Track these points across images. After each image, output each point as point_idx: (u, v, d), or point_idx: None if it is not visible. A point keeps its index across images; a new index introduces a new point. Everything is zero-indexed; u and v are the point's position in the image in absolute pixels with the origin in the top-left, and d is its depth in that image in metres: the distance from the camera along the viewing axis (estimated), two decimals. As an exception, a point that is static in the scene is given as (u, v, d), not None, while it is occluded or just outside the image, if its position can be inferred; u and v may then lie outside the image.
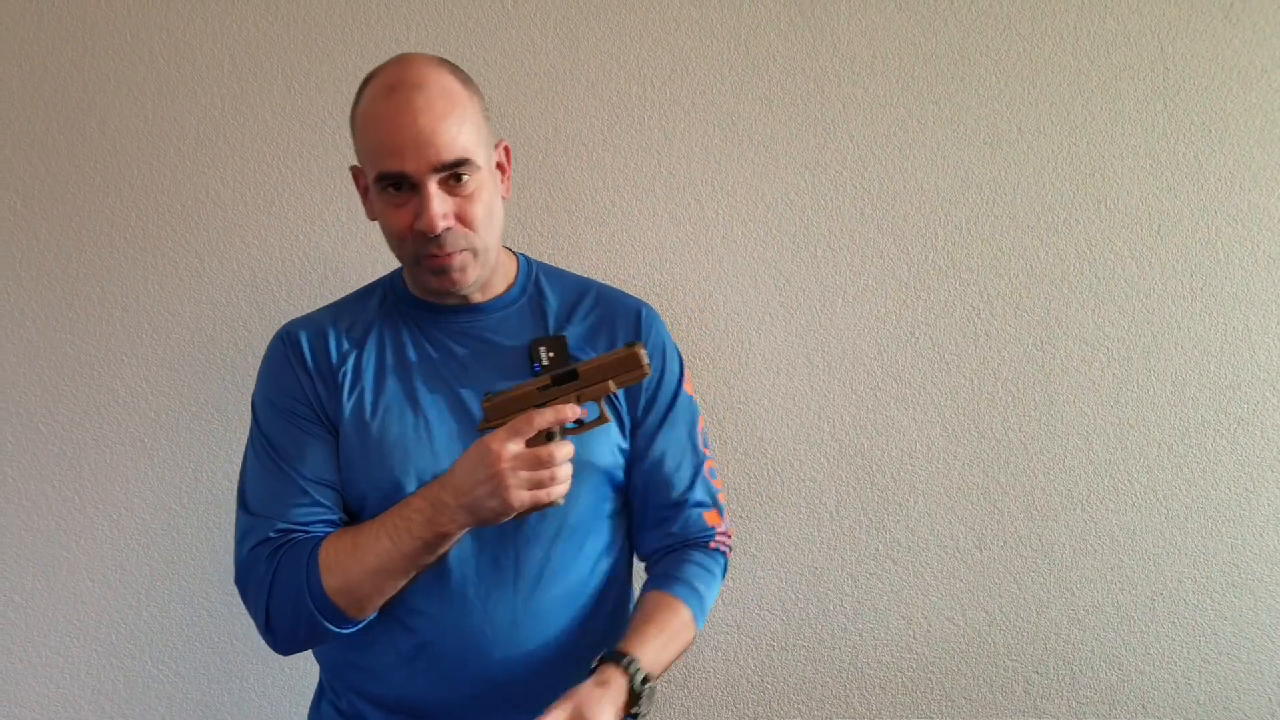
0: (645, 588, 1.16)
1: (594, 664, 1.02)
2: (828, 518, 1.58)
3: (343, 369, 1.10)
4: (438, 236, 1.03)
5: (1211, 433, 1.57)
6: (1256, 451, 1.57)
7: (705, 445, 1.21)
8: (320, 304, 1.21)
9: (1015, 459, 1.57)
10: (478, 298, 1.14)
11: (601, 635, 1.12)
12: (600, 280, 1.25)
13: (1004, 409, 1.57)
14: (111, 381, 1.52)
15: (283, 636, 1.06)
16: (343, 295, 1.21)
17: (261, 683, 1.58)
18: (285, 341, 1.13)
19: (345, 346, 1.12)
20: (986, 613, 1.60)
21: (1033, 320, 1.55)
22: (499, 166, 1.11)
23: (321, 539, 1.05)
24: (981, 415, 1.57)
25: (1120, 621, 1.60)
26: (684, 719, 1.61)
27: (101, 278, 1.51)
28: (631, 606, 1.18)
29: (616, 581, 1.17)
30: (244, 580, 1.07)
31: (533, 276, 1.19)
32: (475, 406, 1.09)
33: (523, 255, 1.21)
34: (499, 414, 1.02)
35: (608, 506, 1.15)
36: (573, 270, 1.26)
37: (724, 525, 1.21)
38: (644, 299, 1.23)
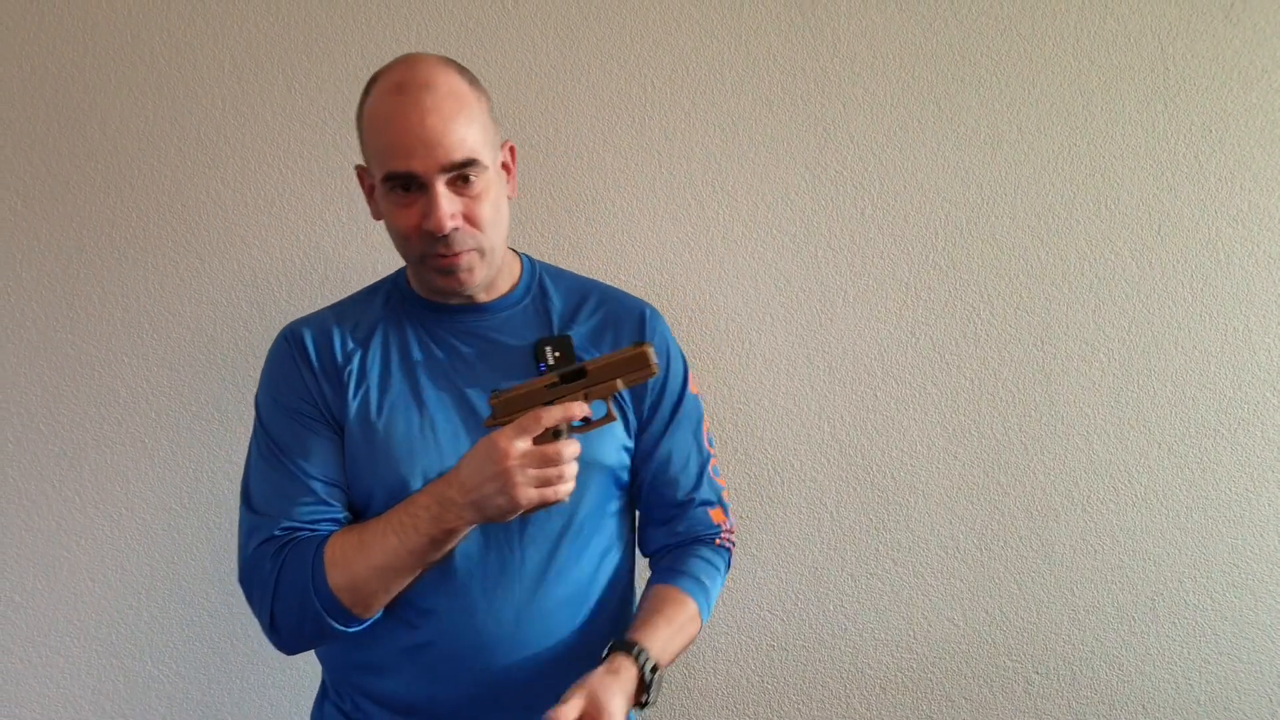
0: (651, 581, 1.17)
1: (604, 653, 1.03)
2: (828, 518, 1.58)
3: (348, 368, 1.10)
4: (446, 236, 1.03)
5: (1212, 433, 1.57)
6: (1257, 452, 1.57)
7: (710, 444, 1.22)
8: (321, 304, 1.21)
9: (1015, 459, 1.57)
10: (482, 298, 1.14)
11: (605, 634, 1.12)
12: (601, 280, 1.25)
13: (1004, 409, 1.57)
14: (112, 382, 1.52)
15: (288, 635, 1.06)
16: (344, 295, 1.21)
17: (262, 683, 1.57)
18: (290, 341, 1.13)
19: (350, 346, 1.12)
20: (987, 613, 1.60)
21: (1033, 320, 1.55)
22: (505, 166, 1.11)
23: (327, 536, 1.05)
24: (982, 415, 1.57)
25: (1121, 622, 1.60)
26: (684, 719, 1.61)
27: (102, 278, 1.51)
28: (635, 605, 1.18)
29: (620, 580, 1.18)
30: (248, 579, 1.06)
31: (536, 277, 1.19)
32: (481, 405, 1.09)
33: (526, 256, 1.21)
34: (506, 411, 1.02)
35: (613, 505, 1.16)
36: (573, 270, 1.26)
37: (729, 523, 1.22)
38: (644, 299, 1.24)
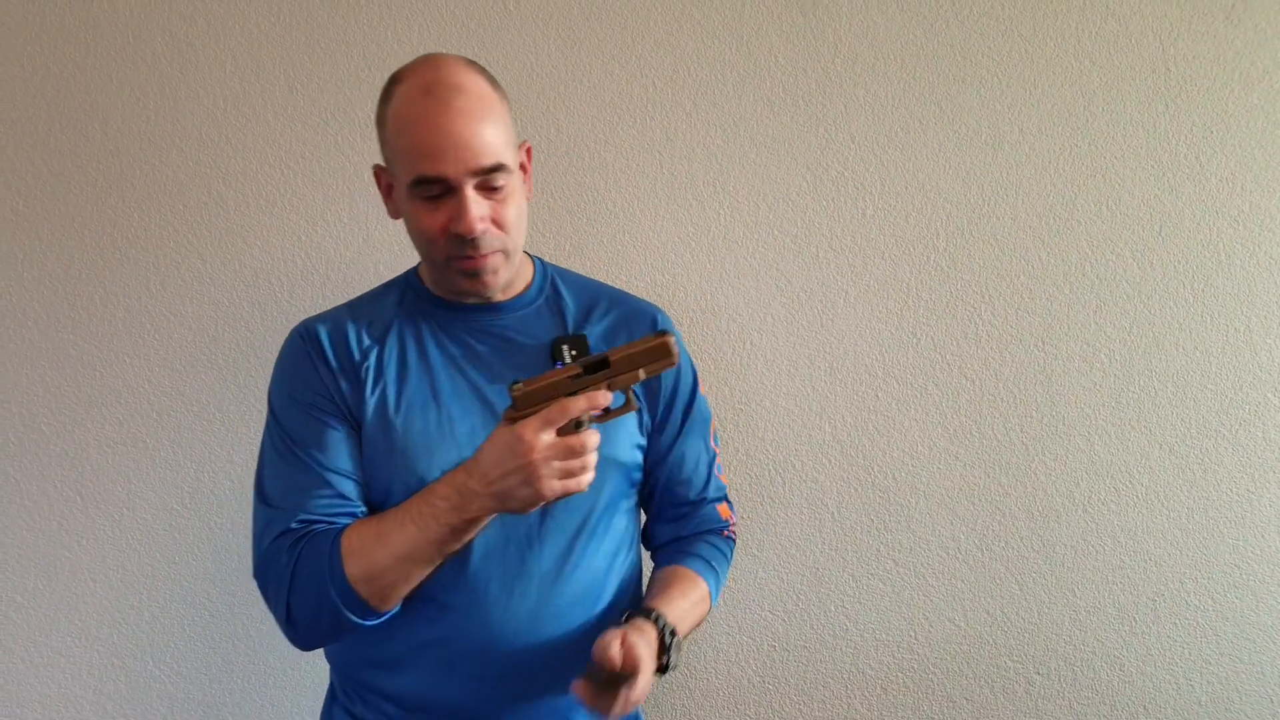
0: (661, 563, 1.19)
1: (624, 619, 1.04)
2: (829, 518, 1.58)
3: (365, 365, 1.10)
4: (474, 239, 1.03)
5: (1213, 433, 1.57)
6: (1258, 452, 1.57)
7: (716, 443, 1.25)
8: (323, 304, 1.21)
9: (1017, 459, 1.57)
10: (498, 297, 1.14)
11: None
12: (601, 280, 1.26)
13: (1005, 409, 1.57)
14: (113, 382, 1.52)
15: (304, 629, 1.05)
16: (344, 295, 1.21)
17: (263, 683, 1.57)
18: (304, 337, 1.12)
19: (366, 343, 1.12)
20: (988, 613, 1.60)
21: (1034, 321, 1.55)
22: (522, 167, 1.12)
23: (344, 529, 1.04)
24: (983, 416, 1.57)
25: (1122, 622, 1.60)
26: (686, 719, 1.61)
27: (104, 278, 1.51)
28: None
29: (631, 578, 1.19)
30: (264, 573, 1.06)
31: (549, 278, 1.20)
32: (498, 403, 1.09)
33: (537, 257, 1.22)
34: (529, 402, 1.00)
35: (625, 503, 1.17)
36: (575, 270, 1.27)
37: (734, 517, 1.26)
38: (646, 299, 1.25)
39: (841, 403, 1.56)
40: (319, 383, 1.09)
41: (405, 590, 1.04)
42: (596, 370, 1.01)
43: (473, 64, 1.07)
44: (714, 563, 1.19)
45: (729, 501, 1.26)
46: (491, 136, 1.02)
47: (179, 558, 1.55)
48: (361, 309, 1.16)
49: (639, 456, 1.17)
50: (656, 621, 1.04)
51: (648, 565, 1.24)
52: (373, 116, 1.09)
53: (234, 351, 1.52)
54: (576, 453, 0.98)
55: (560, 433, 0.98)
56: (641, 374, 1.01)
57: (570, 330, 1.16)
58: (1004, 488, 1.58)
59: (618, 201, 1.53)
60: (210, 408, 1.53)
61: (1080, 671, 1.61)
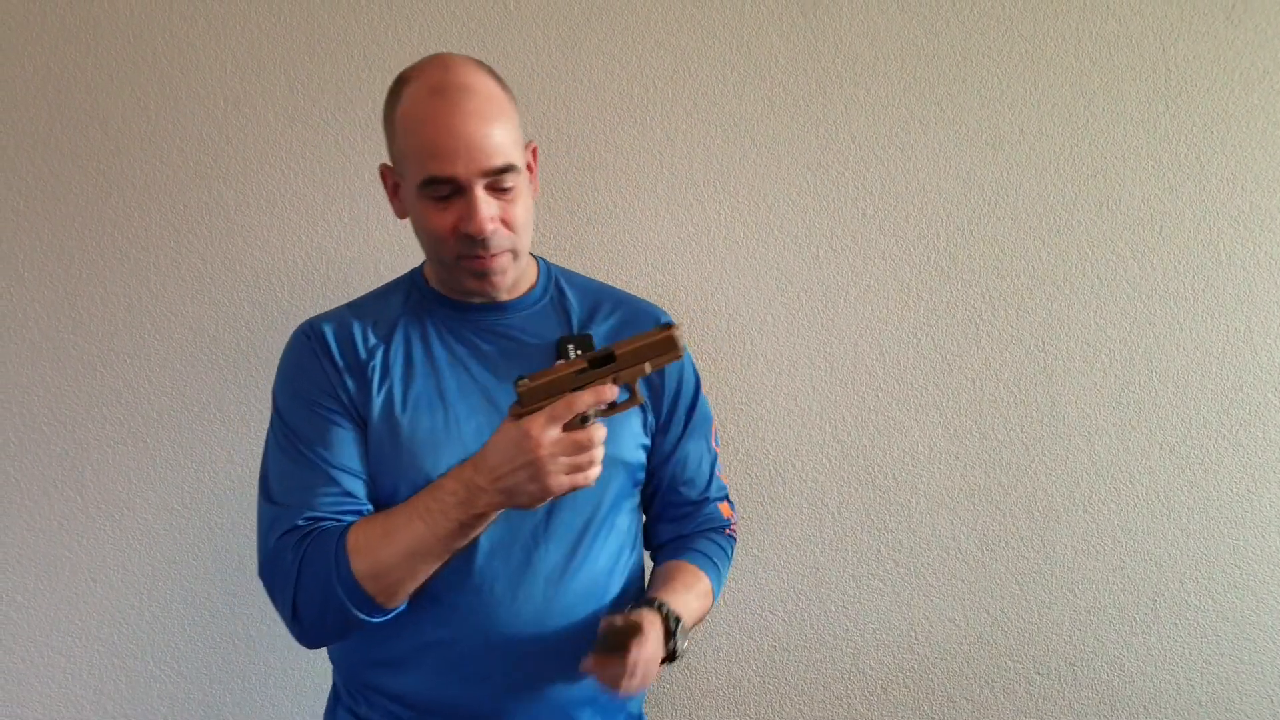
0: (663, 559, 1.19)
1: (628, 611, 1.04)
2: (829, 518, 1.58)
3: (371, 363, 1.10)
4: (484, 239, 1.04)
5: (1213, 434, 1.57)
6: (1258, 452, 1.57)
7: (716, 443, 1.26)
8: (323, 304, 1.21)
9: (1017, 460, 1.57)
10: (504, 297, 1.15)
11: None
12: (602, 280, 1.27)
13: (1006, 410, 1.57)
14: (114, 381, 1.52)
15: (310, 627, 1.05)
16: (345, 295, 1.21)
17: (264, 683, 1.58)
18: (310, 336, 1.12)
19: (372, 341, 1.12)
20: (988, 613, 1.60)
21: (1035, 321, 1.55)
22: (528, 167, 1.12)
23: (350, 525, 1.04)
24: (983, 416, 1.57)
25: (1122, 622, 1.60)
26: (686, 719, 1.61)
27: (104, 278, 1.51)
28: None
29: (634, 578, 1.19)
30: (270, 571, 1.05)
31: (553, 278, 1.21)
32: (503, 401, 1.09)
33: (540, 257, 1.22)
34: (535, 398, 0.99)
35: (629, 503, 1.17)
36: (575, 270, 1.27)
37: (735, 517, 1.26)
38: (646, 299, 1.25)
39: (841, 403, 1.56)
40: (324, 380, 1.09)
41: (412, 587, 1.03)
42: (602, 364, 1.00)
43: (481, 64, 1.07)
44: (715, 559, 1.20)
45: (730, 501, 1.27)
46: (501, 137, 1.03)
47: (179, 558, 1.55)
48: (366, 308, 1.16)
49: (643, 457, 1.17)
50: (660, 609, 1.04)
51: (648, 565, 1.24)
52: (373, 116, 1.09)
53: (234, 351, 1.52)
54: (583, 447, 0.98)
55: (566, 428, 0.98)
56: (647, 367, 1.00)
57: (575, 330, 1.16)
58: (1004, 488, 1.58)
59: (618, 201, 1.53)
60: (210, 408, 1.53)
61: (1080, 671, 1.61)
